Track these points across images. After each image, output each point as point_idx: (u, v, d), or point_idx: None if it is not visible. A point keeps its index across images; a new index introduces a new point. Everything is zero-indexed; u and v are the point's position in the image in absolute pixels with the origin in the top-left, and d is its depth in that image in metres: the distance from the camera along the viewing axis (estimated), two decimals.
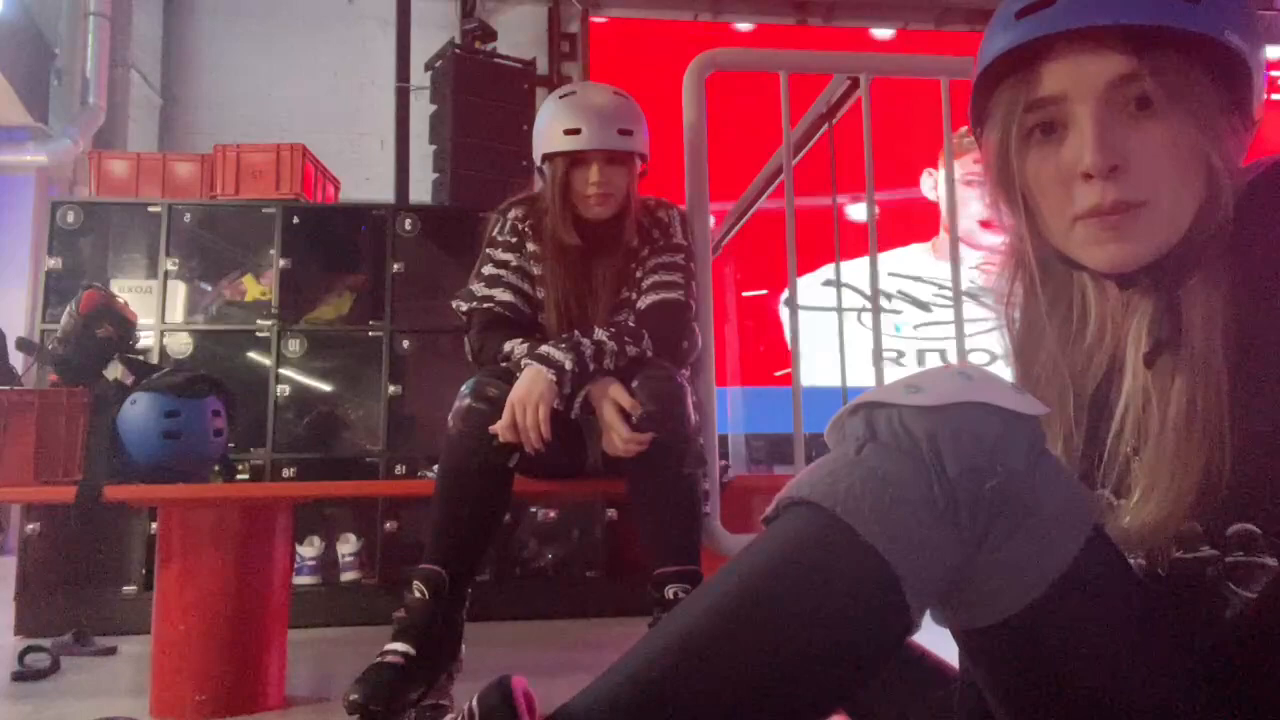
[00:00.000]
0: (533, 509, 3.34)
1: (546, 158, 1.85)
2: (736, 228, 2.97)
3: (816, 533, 0.60)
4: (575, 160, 1.81)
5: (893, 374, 0.89)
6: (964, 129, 0.90)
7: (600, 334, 1.73)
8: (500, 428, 1.62)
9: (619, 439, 1.64)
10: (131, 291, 3.31)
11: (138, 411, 2.11)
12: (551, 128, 1.83)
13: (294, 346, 3.39)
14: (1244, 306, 0.66)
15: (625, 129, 1.81)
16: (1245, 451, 0.64)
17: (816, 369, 2.62)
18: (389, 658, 1.57)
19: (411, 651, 1.57)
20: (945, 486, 0.58)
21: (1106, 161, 0.65)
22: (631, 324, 1.79)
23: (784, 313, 5.12)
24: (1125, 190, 0.66)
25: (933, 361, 5.23)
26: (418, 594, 1.61)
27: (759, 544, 0.63)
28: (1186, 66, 0.65)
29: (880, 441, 0.61)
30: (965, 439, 0.59)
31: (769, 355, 5.16)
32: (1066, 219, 0.69)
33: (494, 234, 1.91)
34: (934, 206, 5.35)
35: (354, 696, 1.50)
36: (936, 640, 0.78)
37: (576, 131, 1.79)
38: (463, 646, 1.69)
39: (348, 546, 3.25)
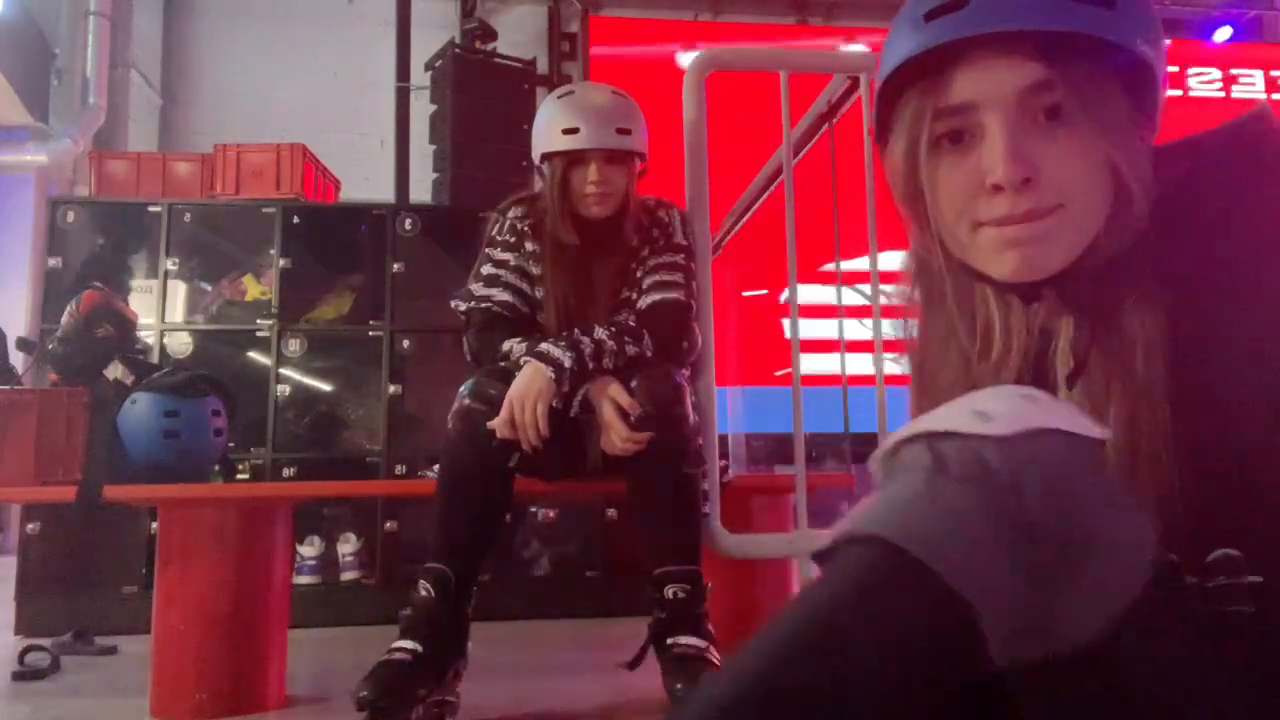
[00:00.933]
0: (533, 509, 3.34)
1: (545, 157, 1.85)
2: (736, 228, 2.97)
3: (889, 570, 0.55)
4: (574, 160, 1.81)
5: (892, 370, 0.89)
6: None
7: (600, 333, 1.73)
8: (498, 424, 1.62)
9: (618, 438, 1.64)
10: (131, 291, 3.32)
11: (138, 411, 2.11)
12: (550, 127, 1.83)
13: (294, 346, 3.39)
14: (1184, 327, 0.64)
15: (624, 128, 1.82)
16: (1200, 482, 0.62)
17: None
18: (397, 655, 1.58)
19: (419, 649, 1.58)
20: (1023, 519, 0.55)
21: (1019, 174, 0.63)
22: (631, 323, 1.79)
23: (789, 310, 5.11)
24: (1036, 200, 0.64)
25: None
26: (424, 592, 1.62)
27: (826, 581, 0.57)
28: (1098, 75, 0.64)
29: (951, 474, 0.57)
30: (1043, 470, 0.56)
31: (769, 355, 5.16)
32: (969, 226, 0.67)
33: (493, 233, 1.91)
34: None
35: (363, 693, 1.51)
36: None
37: (575, 131, 1.80)
38: (468, 644, 1.69)
39: (348, 546, 3.25)
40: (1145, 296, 0.65)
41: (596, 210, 1.82)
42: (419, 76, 4.47)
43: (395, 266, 3.45)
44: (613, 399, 1.66)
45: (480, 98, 3.88)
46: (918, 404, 0.75)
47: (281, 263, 3.41)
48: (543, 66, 5.55)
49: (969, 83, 0.65)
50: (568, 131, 1.80)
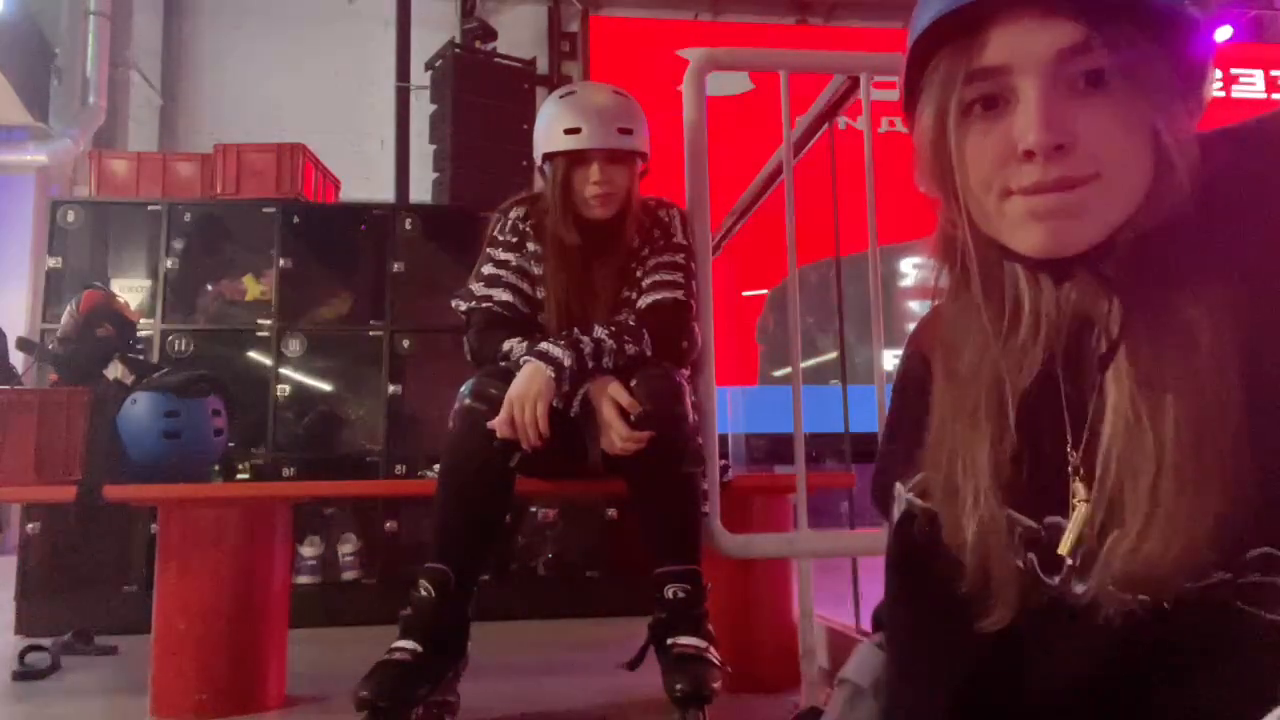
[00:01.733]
0: (533, 509, 3.34)
1: (547, 157, 1.85)
2: (737, 227, 2.97)
3: None
4: (576, 160, 1.81)
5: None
6: None
7: (600, 332, 1.73)
8: (498, 423, 1.62)
9: (617, 438, 1.64)
10: (131, 291, 3.32)
11: (138, 411, 2.11)
12: (552, 127, 1.83)
13: (294, 346, 3.39)
14: (1255, 308, 0.59)
15: (625, 128, 1.82)
16: (1269, 476, 0.57)
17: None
18: (397, 655, 1.57)
19: (419, 649, 1.58)
20: None
21: (1052, 139, 0.60)
22: (631, 323, 1.79)
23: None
24: (1070, 167, 0.60)
25: None
26: (424, 592, 1.62)
27: None
28: (1142, 40, 0.60)
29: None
30: None
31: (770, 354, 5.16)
32: (997, 195, 0.63)
33: (494, 233, 1.91)
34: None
35: (363, 693, 1.51)
36: None
37: (577, 131, 1.80)
38: (468, 644, 1.69)
39: (348, 546, 3.25)
40: (1202, 284, 0.61)
41: (598, 210, 1.82)
42: (419, 76, 4.47)
43: (395, 266, 3.45)
44: (612, 398, 1.66)
45: (480, 98, 3.89)
46: (943, 390, 0.71)
47: (281, 263, 3.41)
48: (543, 66, 5.55)
49: (1003, 44, 0.62)
50: (569, 131, 1.80)
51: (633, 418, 1.64)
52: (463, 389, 1.71)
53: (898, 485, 0.74)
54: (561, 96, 1.87)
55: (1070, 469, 0.65)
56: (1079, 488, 0.65)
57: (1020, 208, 0.62)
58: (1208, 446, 0.58)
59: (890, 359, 1.95)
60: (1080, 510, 0.64)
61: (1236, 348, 0.59)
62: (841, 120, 2.26)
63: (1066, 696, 0.66)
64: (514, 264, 1.86)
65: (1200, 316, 0.60)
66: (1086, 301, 0.65)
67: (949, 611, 0.69)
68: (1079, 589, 0.64)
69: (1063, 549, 0.65)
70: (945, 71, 0.64)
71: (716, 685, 1.55)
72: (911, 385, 0.77)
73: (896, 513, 0.74)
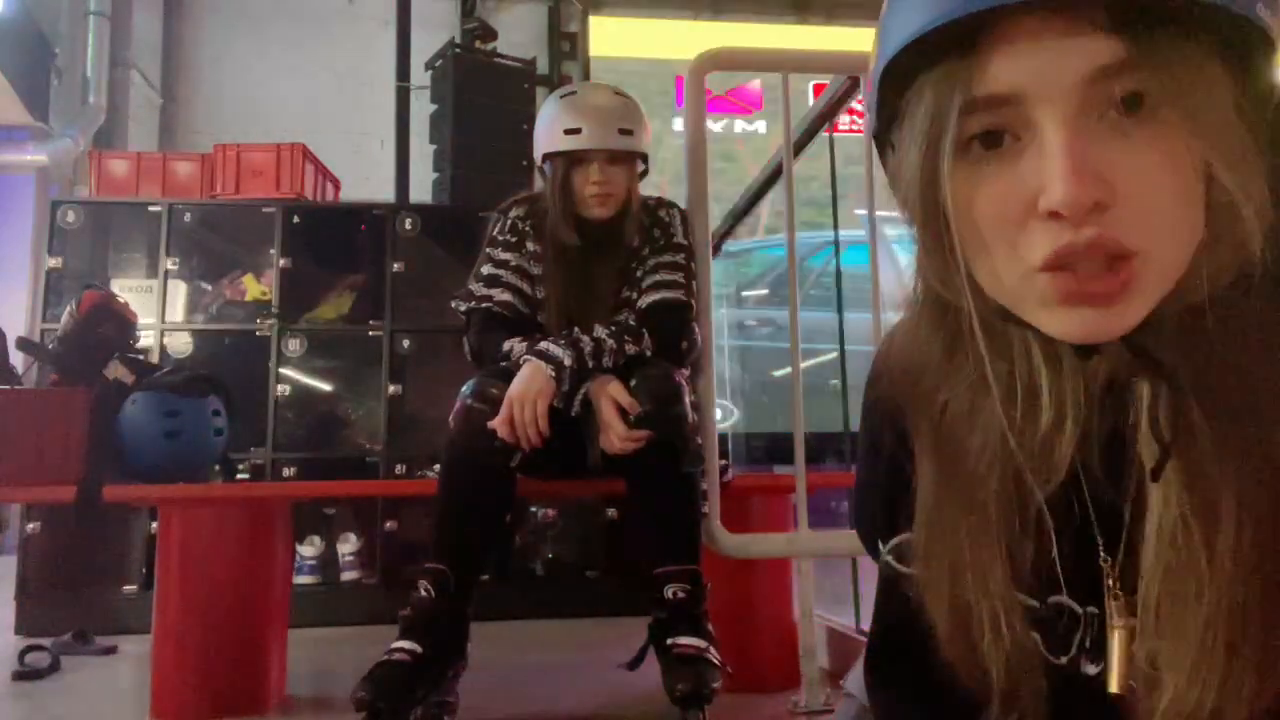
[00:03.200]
0: (533, 509, 3.34)
1: (547, 157, 1.85)
2: (736, 227, 2.97)
3: None
4: (576, 160, 1.81)
5: None
6: None
7: (600, 331, 1.73)
8: (498, 423, 1.62)
9: (616, 437, 1.64)
10: (131, 291, 3.31)
11: (138, 411, 2.11)
12: (552, 128, 1.83)
13: (294, 346, 3.39)
14: None
15: (626, 128, 1.82)
16: None
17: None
18: (396, 655, 1.57)
19: (418, 649, 1.58)
20: None
21: (1087, 196, 0.45)
22: (631, 322, 1.79)
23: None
24: (1110, 230, 0.45)
25: None
26: (424, 592, 1.62)
27: None
28: (1196, 53, 0.46)
29: None
30: None
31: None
32: (1021, 267, 0.48)
33: (494, 233, 1.91)
34: None
35: (362, 694, 1.51)
36: None
37: (577, 131, 1.80)
38: (468, 644, 1.69)
39: (348, 546, 3.24)
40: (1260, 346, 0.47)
41: (598, 211, 1.82)
42: (419, 76, 4.47)
43: (395, 266, 3.45)
44: (612, 398, 1.66)
45: (480, 98, 3.88)
46: (936, 474, 0.57)
47: (281, 263, 3.41)
48: (543, 66, 5.55)
49: (1015, 66, 0.46)
50: (570, 132, 1.80)
51: (632, 418, 1.64)
52: (463, 389, 1.71)
53: (879, 542, 0.64)
54: (562, 97, 1.88)
55: (1108, 588, 0.53)
56: (1114, 608, 0.53)
57: (1045, 289, 0.48)
58: (1267, 572, 0.46)
59: None
60: (1119, 636, 0.53)
61: None
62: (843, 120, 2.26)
63: None
64: (514, 264, 1.86)
65: (1272, 408, 0.47)
66: (1121, 381, 0.52)
67: (939, 684, 0.58)
68: (1090, 670, 0.56)
69: (1114, 686, 0.53)
70: (934, 100, 0.49)
71: (717, 685, 1.55)
72: (883, 420, 0.64)
73: (880, 569, 0.65)
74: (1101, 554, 0.54)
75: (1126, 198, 0.45)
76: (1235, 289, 0.48)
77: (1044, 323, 0.49)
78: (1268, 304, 0.48)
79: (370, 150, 5.55)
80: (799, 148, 2.28)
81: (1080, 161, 0.45)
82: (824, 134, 2.26)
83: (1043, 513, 0.54)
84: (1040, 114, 0.47)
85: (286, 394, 3.38)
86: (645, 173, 1.92)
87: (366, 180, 5.14)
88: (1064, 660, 0.56)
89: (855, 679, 0.80)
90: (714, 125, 5.89)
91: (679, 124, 5.57)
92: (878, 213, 2.00)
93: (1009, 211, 0.48)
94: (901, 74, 0.51)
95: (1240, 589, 0.47)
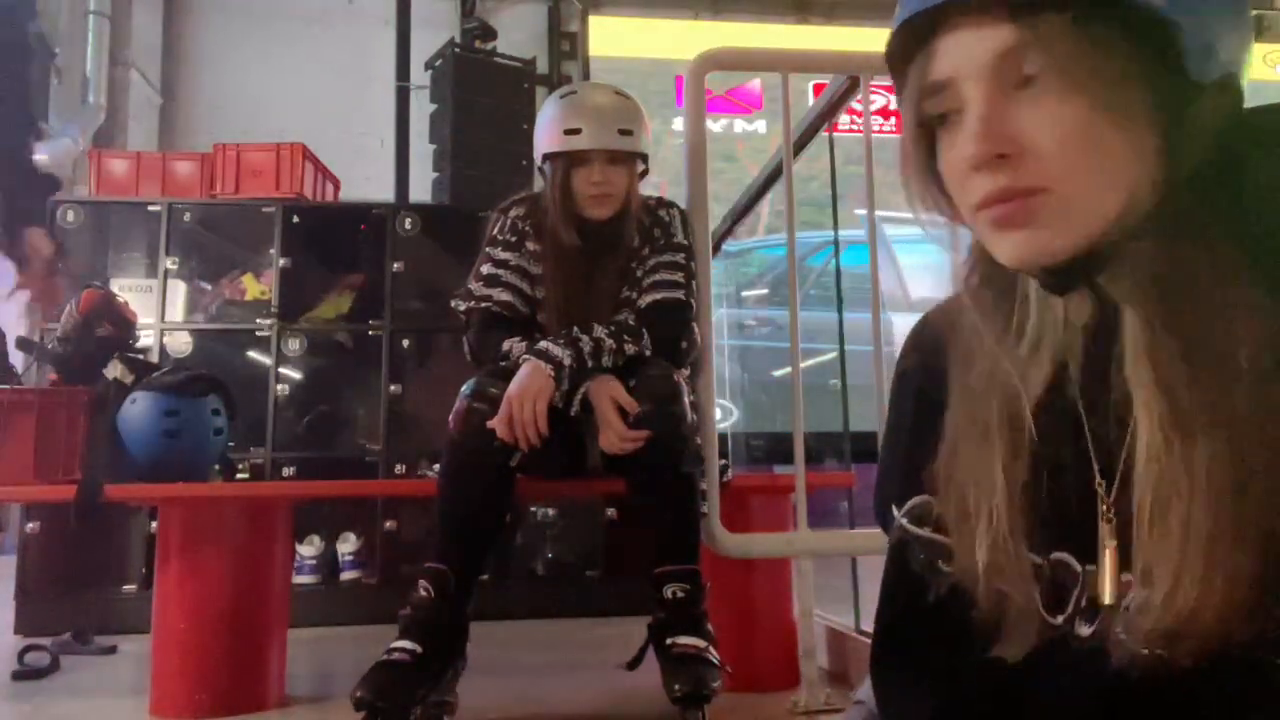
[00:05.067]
0: (533, 509, 3.34)
1: (547, 157, 1.85)
2: (736, 227, 2.97)
3: None
4: (575, 160, 1.81)
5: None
6: None
7: (600, 331, 1.73)
8: (497, 423, 1.62)
9: (615, 437, 1.64)
10: (131, 291, 3.31)
11: (138, 411, 2.11)
12: (552, 128, 1.83)
13: (294, 346, 3.39)
14: None
15: (626, 129, 1.82)
16: None
17: None
18: (396, 655, 1.57)
19: (418, 649, 1.58)
20: None
21: (990, 149, 0.57)
22: (631, 322, 1.79)
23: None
24: (1017, 177, 0.57)
25: None
26: (424, 592, 1.62)
27: None
28: (1083, 36, 0.55)
29: None
30: None
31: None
32: (971, 211, 0.60)
33: (494, 233, 1.91)
34: None
35: (361, 693, 1.51)
36: None
37: (577, 131, 1.80)
38: (468, 644, 1.69)
39: (347, 546, 3.24)
40: (1238, 294, 0.54)
41: (597, 211, 1.82)
42: (419, 76, 4.47)
43: (395, 266, 3.45)
44: (611, 398, 1.66)
45: (480, 97, 3.88)
46: (956, 406, 0.66)
47: (281, 262, 3.41)
48: (543, 66, 5.55)
49: (947, 55, 0.59)
50: (569, 132, 1.80)
51: (631, 418, 1.64)
52: (464, 389, 1.71)
53: (894, 508, 0.70)
54: (562, 97, 1.87)
55: (1101, 511, 0.59)
56: (1106, 531, 0.59)
57: (984, 221, 0.59)
58: (1249, 492, 0.52)
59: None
60: (1109, 552, 0.58)
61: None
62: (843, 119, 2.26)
63: None
64: (513, 264, 1.86)
65: (1238, 332, 0.53)
66: (1095, 318, 0.61)
67: (946, 644, 0.65)
68: (1084, 631, 0.59)
69: (1106, 598, 0.58)
70: (909, 87, 0.62)
71: (716, 685, 1.55)
72: (907, 392, 0.73)
73: (892, 538, 0.70)
74: (1097, 477, 0.60)
75: (1031, 150, 0.56)
76: (1186, 226, 0.56)
77: (994, 251, 0.61)
78: (1198, 241, 0.56)
79: (370, 150, 5.55)
80: (799, 148, 2.28)
81: (986, 125, 0.57)
82: (824, 134, 2.26)
83: (1033, 438, 0.61)
84: (966, 91, 0.59)
85: (286, 394, 3.38)
86: (645, 173, 1.92)
87: (366, 180, 5.15)
88: (1060, 620, 0.60)
89: (869, 686, 0.80)
90: (714, 125, 5.90)
91: (679, 124, 5.57)
92: (878, 212, 2.00)
93: (955, 170, 0.60)
94: (899, 72, 0.63)
95: (1215, 508, 0.52)
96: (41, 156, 5.30)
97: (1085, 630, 0.59)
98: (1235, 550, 0.52)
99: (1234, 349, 0.53)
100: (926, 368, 0.70)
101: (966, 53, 0.58)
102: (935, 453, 0.65)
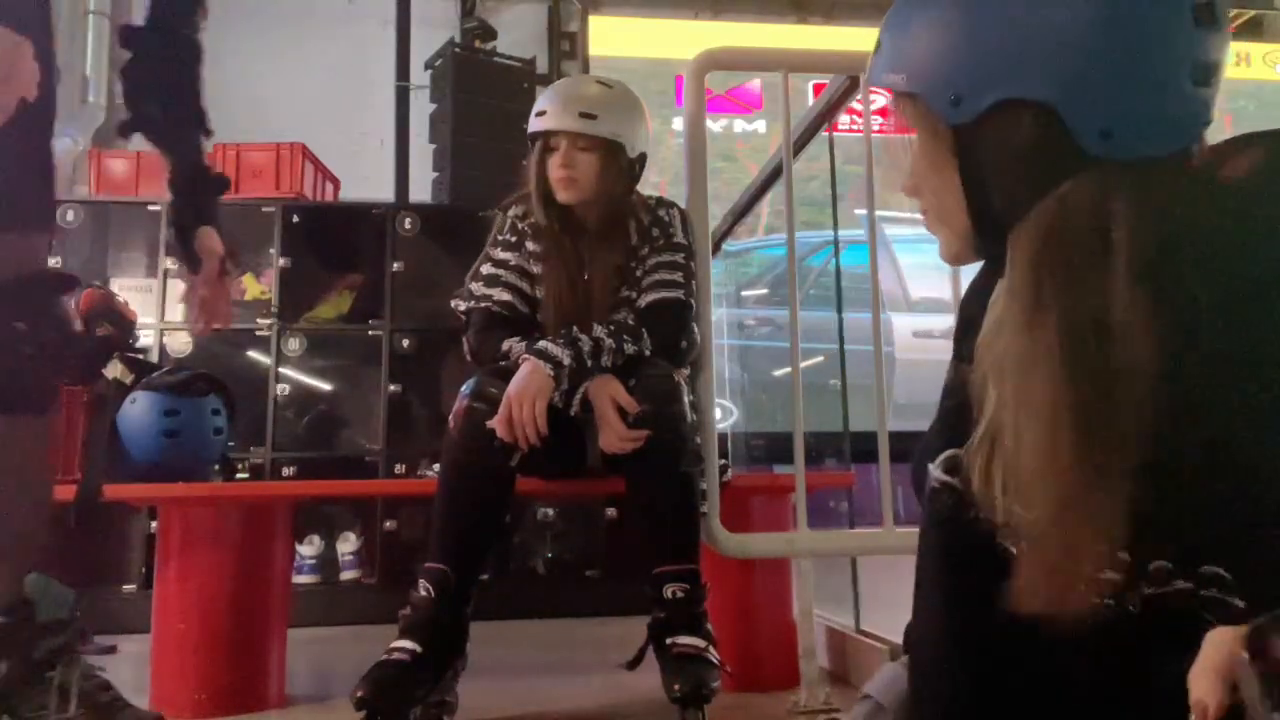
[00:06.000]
0: (533, 509, 3.34)
1: (529, 141, 1.88)
2: (736, 227, 2.97)
3: None
4: (547, 143, 1.82)
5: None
6: None
7: (599, 331, 1.73)
8: (497, 422, 1.62)
9: (615, 436, 1.64)
10: (131, 291, 3.31)
11: (137, 411, 2.11)
12: (534, 111, 1.86)
13: (294, 346, 3.39)
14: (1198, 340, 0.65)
15: (588, 113, 1.81)
16: (1185, 480, 0.64)
17: None
18: (396, 655, 1.57)
19: (418, 649, 1.58)
20: None
21: (907, 192, 0.82)
22: (631, 322, 1.79)
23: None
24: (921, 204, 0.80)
25: None
26: (424, 592, 1.62)
27: None
28: (915, 118, 0.77)
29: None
30: None
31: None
32: None
33: (495, 233, 1.91)
34: None
35: (361, 693, 1.51)
36: None
37: (543, 114, 1.82)
38: (468, 644, 1.69)
39: (348, 546, 3.25)
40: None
41: (563, 195, 1.83)
42: (419, 76, 4.46)
43: (395, 266, 3.45)
44: (611, 397, 1.66)
45: (480, 97, 3.88)
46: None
47: (281, 262, 3.41)
48: (542, 66, 5.53)
49: None
50: (539, 114, 1.83)
51: (630, 417, 1.64)
52: (464, 388, 1.71)
53: (930, 465, 0.78)
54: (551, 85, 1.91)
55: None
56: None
57: None
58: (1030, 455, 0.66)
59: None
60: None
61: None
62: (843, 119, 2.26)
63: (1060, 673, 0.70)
64: (513, 263, 1.86)
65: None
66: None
67: (982, 571, 0.72)
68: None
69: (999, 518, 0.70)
70: None
71: (716, 685, 1.55)
72: (949, 400, 0.83)
73: (928, 488, 0.78)
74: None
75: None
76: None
77: None
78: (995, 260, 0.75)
79: (370, 150, 5.55)
80: (799, 148, 2.28)
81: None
82: (824, 134, 2.26)
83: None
84: None
85: (286, 393, 3.38)
86: (636, 164, 1.89)
87: (366, 180, 5.14)
88: None
89: (877, 681, 0.87)
90: (714, 125, 5.89)
91: (679, 124, 5.57)
92: (877, 212, 2.00)
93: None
94: None
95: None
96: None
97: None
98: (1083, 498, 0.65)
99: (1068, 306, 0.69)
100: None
101: None
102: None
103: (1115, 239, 0.66)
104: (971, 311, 0.76)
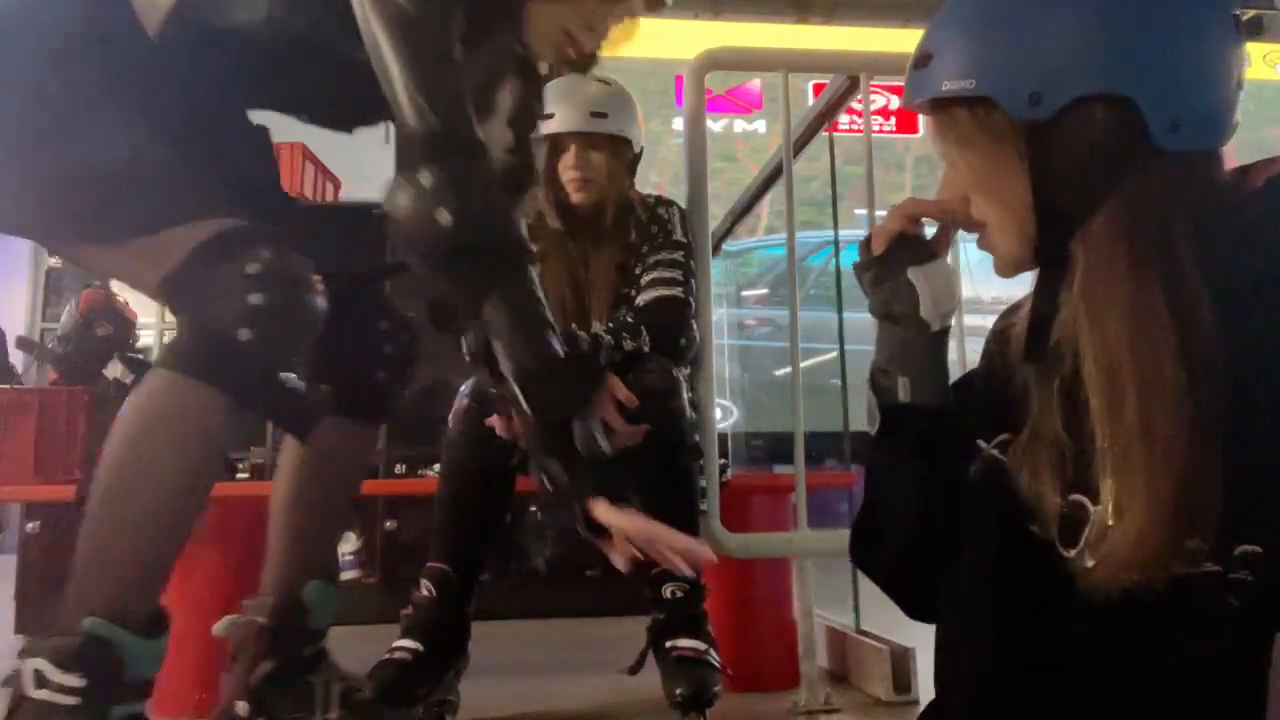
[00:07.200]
0: (533, 509, 3.33)
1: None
2: (736, 227, 2.97)
3: None
4: (555, 145, 1.82)
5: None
6: None
7: (598, 328, 1.74)
8: (496, 420, 1.62)
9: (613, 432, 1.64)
10: (132, 291, 3.31)
11: None
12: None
13: None
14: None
15: (598, 112, 1.82)
16: (1246, 465, 0.65)
17: None
18: (398, 654, 1.58)
19: (420, 648, 1.58)
20: None
21: (960, 210, 0.85)
22: (630, 320, 1.79)
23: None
24: (975, 218, 0.82)
25: None
26: (425, 592, 1.62)
27: None
28: (971, 128, 0.79)
29: None
30: None
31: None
32: None
33: None
34: None
35: (363, 692, 1.51)
36: None
37: (551, 116, 1.81)
38: (469, 644, 1.69)
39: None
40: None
41: (576, 197, 1.83)
42: None
43: None
44: (610, 393, 1.66)
45: None
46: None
47: None
48: (543, 65, 5.55)
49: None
50: (545, 117, 1.82)
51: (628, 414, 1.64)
52: (462, 389, 1.71)
53: (980, 442, 0.84)
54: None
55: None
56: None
57: None
58: (1155, 433, 0.67)
59: None
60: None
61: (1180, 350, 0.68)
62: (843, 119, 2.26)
63: (1076, 649, 0.73)
64: None
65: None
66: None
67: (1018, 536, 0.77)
68: (1089, 563, 0.72)
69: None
70: None
71: (717, 689, 1.55)
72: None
73: (978, 464, 0.83)
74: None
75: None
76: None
77: None
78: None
79: (370, 150, 5.55)
80: (799, 147, 2.28)
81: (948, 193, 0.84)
82: (824, 134, 2.27)
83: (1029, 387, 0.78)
84: None
85: None
86: (636, 160, 1.90)
87: (366, 180, 5.14)
88: (1073, 554, 0.73)
89: None
90: (714, 125, 5.90)
91: (679, 124, 5.57)
92: (878, 212, 2.00)
93: None
94: None
95: (1129, 446, 0.68)
96: None
97: (1090, 562, 0.72)
98: (1150, 481, 0.67)
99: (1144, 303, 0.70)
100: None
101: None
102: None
103: (1178, 230, 0.70)
104: (1047, 311, 0.76)
